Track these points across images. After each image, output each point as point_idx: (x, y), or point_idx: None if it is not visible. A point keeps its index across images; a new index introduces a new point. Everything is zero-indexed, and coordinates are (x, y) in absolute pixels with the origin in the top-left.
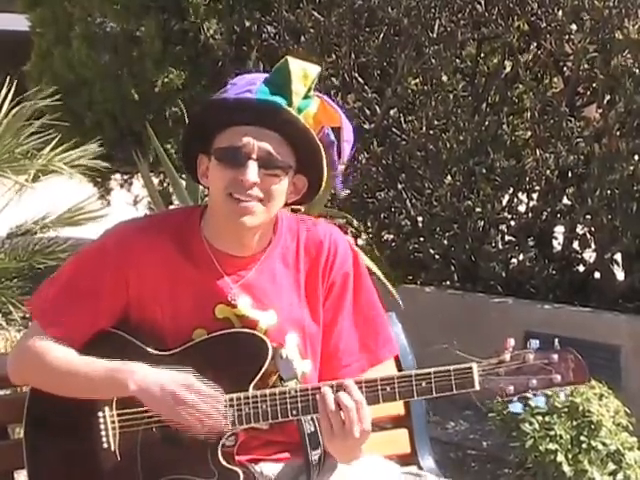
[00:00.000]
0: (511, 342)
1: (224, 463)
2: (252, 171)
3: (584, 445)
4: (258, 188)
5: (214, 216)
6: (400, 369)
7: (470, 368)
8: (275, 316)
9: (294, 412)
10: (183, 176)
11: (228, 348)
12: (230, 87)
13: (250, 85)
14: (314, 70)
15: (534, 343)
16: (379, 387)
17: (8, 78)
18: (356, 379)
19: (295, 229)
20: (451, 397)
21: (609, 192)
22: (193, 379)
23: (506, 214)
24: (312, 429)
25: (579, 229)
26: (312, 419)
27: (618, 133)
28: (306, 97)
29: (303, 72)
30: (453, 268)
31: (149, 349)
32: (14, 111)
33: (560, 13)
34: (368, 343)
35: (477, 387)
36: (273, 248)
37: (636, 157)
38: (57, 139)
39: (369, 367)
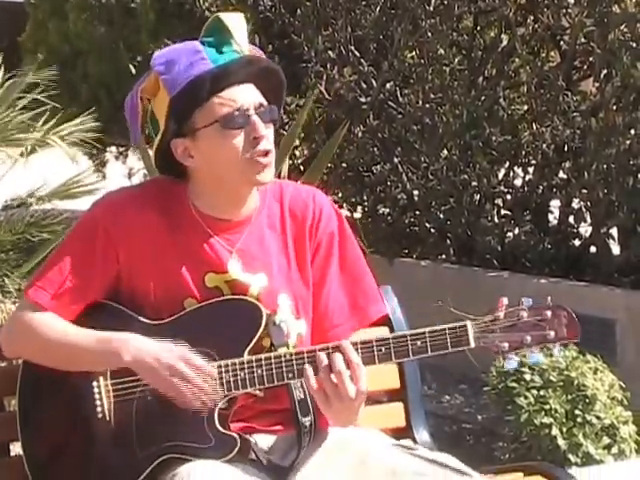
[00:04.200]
0: (504, 301)
1: (220, 429)
2: (260, 125)
3: (579, 419)
4: (267, 140)
5: (211, 185)
6: None
7: (465, 326)
8: (265, 278)
9: (290, 375)
10: None
11: (222, 315)
12: (169, 67)
13: (196, 54)
14: (240, 17)
15: (527, 301)
16: (374, 348)
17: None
18: (351, 340)
19: (278, 193)
20: (446, 370)
21: (605, 166)
22: (189, 352)
23: (502, 188)
24: (302, 396)
25: (575, 203)
26: (302, 385)
27: (615, 107)
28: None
29: (237, 22)
30: (449, 242)
31: (142, 319)
32: (8, 83)
33: None
34: (357, 302)
35: (472, 344)
36: (259, 212)
37: (632, 131)
38: (52, 111)
39: (360, 326)
